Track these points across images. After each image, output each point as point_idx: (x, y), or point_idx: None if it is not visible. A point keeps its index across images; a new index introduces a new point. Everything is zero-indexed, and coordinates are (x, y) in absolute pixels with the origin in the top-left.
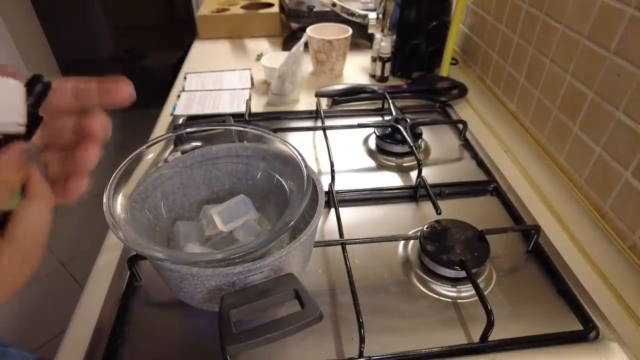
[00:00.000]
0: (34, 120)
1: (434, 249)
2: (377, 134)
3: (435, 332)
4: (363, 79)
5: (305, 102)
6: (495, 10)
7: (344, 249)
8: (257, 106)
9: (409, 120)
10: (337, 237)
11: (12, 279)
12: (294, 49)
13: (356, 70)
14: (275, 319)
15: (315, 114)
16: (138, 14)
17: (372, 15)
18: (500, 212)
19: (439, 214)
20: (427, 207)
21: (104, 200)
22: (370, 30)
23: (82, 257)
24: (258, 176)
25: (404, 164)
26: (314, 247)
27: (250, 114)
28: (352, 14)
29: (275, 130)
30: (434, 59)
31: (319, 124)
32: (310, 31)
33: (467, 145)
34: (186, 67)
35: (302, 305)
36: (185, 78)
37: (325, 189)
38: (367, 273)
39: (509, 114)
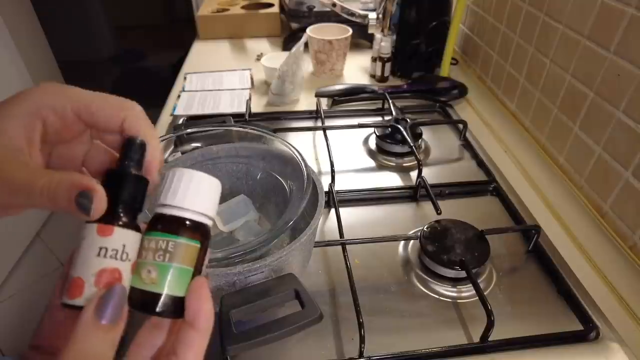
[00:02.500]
0: (146, 185)
1: (434, 249)
2: (377, 134)
3: (435, 332)
4: (363, 79)
5: (305, 102)
6: (495, 10)
7: (344, 249)
8: (257, 106)
9: (409, 120)
10: (337, 237)
11: None
12: (294, 49)
13: (356, 70)
14: (275, 319)
15: (315, 114)
16: (138, 14)
17: (372, 15)
18: (500, 212)
19: (439, 214)
20: (427, 207)
21: None
22: (370, 30)
23: None
24: (258, 176)
25: (404, 164)
26: (314, 247)
27: (250, 114)
28: (352, 14)
29: (275, 131)
30: (434, 59)
31: (319, 124)
32: (310, 31)
33: (467, 145)
34: (186, 67)
35: (302, 305)
36: (185, 78)
37: (325, 189)
38: (367, 273)
39: (509, 114)
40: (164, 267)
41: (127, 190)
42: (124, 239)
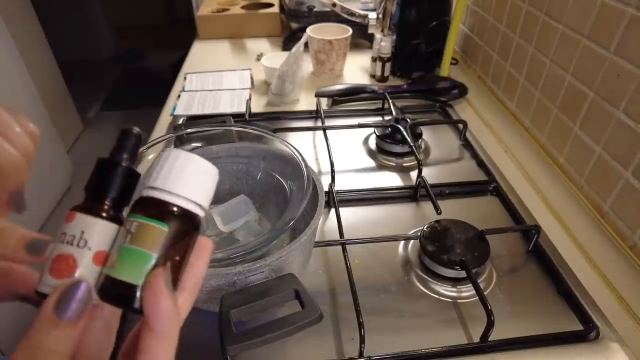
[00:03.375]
0: (133, 177)
1: (434, 249)
2: (377, 134)
3: (435, 332)
4: (363, 79)
5: (305, 102)
6: (495, 10)
7: (344, 249)
8: (257, 106)
9: (409, 120)
10: (337, 237)
11: None
12: (294, 49)
13: (356, 70)
14: (275, 319)
15: (315, 114)
16: (138, 14)
17: (372, 15)
18: (500, 212)
19: (439, 214)
20: (427, 207)
21: None
22: (370, 30)
23: None
24: (258, 176)
25: (404, 164)
26: (314, 247)
27: (251, 114)
28: (352, 14)
29: (275, 130)
30: (434, 59)
31: (319, 124)
32: (310, 31)
33: (467, 145)
34: (186, 67)
35: (302, 305)
36: (185, 78)
37: (325, 189)
38: (367, 273)
39: (509, 114)
40: (122, 250)
41: (104, 180)
42: (84, 225)
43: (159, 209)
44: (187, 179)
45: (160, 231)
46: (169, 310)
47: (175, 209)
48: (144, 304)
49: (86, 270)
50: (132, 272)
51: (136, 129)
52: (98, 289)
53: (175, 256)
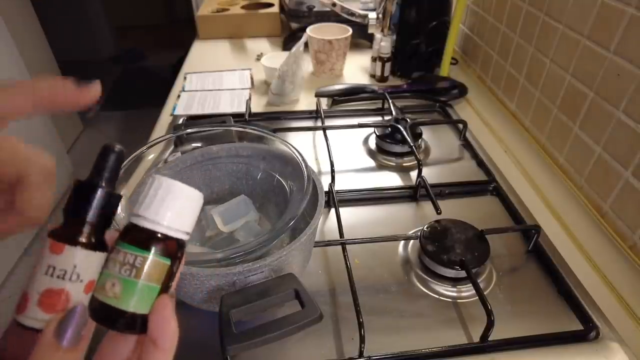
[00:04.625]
0: (115, 199)
1: (434, 249)
2: (377, 134)
3: (435, 332)
4: (363, 79)
5: (305, 102)
6: (495, 10)
7: (344, 249)
8: (257, 106)
9: (409, 120)
10: (337, 237)
11: None
12: (294, 49)
13: (356, 70)
14: (275, 319)
15: (315, 114)
16: (138, 14)
17: (372, 15)
18: (500, 212)
19: (439, 213)
20: (427, 207)
21: None
22: (370, 30)
23: None
24: (258, 176)
25: (404, 164)
26: (314, 247)
27: (250, 114)
28: (352, 14)
29: (275, 130)
30: (434, 59)
31: (319, 124)
32: (310, 31)
33: (467, 145)
34: (186, 67)
35: (302, 305)
36: (185, 78)
37: (325, 189)
38: (367, 273)
39: (509, 114)
40: (128, 283)
41: (90, 207)
42: (75, 259)
43: (163, 244)
44: (177, 209)
45: (164, 266)
46: (174, 331)
47: (175, 242)
48: (153, 326)
49: (78, 299)
50: (137, 303)
51: (117, 147)
52: (93, 315)
53: (169, 281)
